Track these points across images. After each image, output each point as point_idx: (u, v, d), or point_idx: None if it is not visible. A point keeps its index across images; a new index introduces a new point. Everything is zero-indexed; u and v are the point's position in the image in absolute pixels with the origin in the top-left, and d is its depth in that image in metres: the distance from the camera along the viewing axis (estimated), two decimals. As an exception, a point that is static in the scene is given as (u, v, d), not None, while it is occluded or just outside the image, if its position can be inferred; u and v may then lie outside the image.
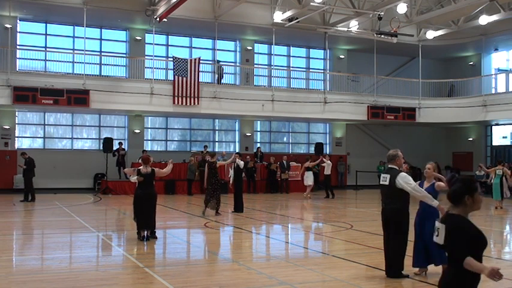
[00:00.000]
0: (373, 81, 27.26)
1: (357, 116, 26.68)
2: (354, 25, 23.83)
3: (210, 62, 25.54)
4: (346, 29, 24.18)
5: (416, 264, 7.56)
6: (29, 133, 25.00)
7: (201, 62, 23.63)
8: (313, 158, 22.51)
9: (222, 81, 25.21)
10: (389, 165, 7.57)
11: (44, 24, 24.26)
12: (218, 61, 25.15)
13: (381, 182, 7.58)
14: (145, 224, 10.43)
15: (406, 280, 7.34)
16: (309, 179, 21.80)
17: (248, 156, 24.49)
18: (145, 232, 10.46)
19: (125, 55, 25.25)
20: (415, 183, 7.33)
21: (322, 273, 7.82)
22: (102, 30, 25.26)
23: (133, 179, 10.80)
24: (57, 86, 21.29)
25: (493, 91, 28.41)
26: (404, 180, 7.26)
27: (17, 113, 24.14)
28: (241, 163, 16.32)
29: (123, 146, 24.23)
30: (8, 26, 22.03)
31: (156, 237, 10.59)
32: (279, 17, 23.51)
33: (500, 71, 29.82)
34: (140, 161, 10.72)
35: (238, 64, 27.24)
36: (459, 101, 27.08)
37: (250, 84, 26.48)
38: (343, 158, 29.42)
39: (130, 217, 15.61)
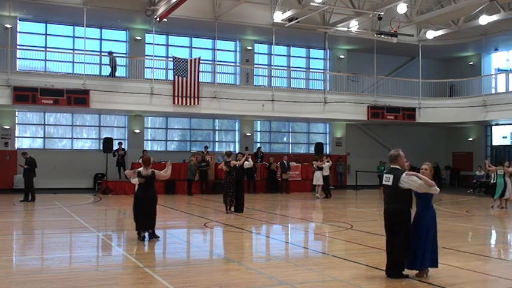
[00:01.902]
0: (373, 81, 27.26)
1: (357, 116, 26.69)
2: (354, 25, 23.83)
3: (210, 62, 25.56)
4: (346, 29, 24.18)
5: (408, 266, 7.48)
6: (29, 133, 25.00)
7: (201, 62, 23.64)
8: (321, 158, 22.46)
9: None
10: (392, 166, 7.56)
11: (44, 24, 24.26)
12: (110, 52, 23.93)
13: (384, 182, 7.58)
14: (146, 225, 10.44)
15: (406, 280, 7.33)
16: (319, 178, 21.65)
17: (250, 156, 24.43)
18: (145, 233, 10.47)
19: (124, 55, 25.26)
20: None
21: (322, 273, 7.82)
22: (102, 30, 25.26)
23: (134, 180, 10.77)
24: (57, 86, 21.29)
25: (493, 91, 28.43)
26: (410, 180, 7.27)
27: (17, 113, 24.14)
28: (248, 163, 16.41)
29: (123, 146, 24.22)
30: (8, 26, 22.04)
31: (158, 237, 10.58)
32: (279, 17, 23.51)
33: (500, 71, 29.83)
34: (140, 161, 10.70)
35: (238, 64, 27.25)
36: (459, 101, 27.09)
37: (250, 84, 26.48)
38: (343, 158, 29.43)
39: (131, 217, 15.58)
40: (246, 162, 16.13)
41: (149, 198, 10.46)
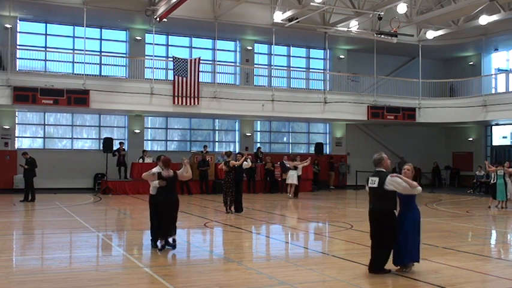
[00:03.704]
0: (373, 81, 27.26)
1: (357, 116, 26.68)
2: (354, 25, 23.83)
3: (210, 62, 25.57)
4: (346, 29, 24.18)
5: (395, 262, 7.78)
6: (29, 133, 24.99)
7: (201, 62, 23.64)
8: (296, 157, 22.77)
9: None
10: (377, 169, 7.88)
11: (44, 24, 24.25)
12: None
13: (370, 185, 7.85)
14: (168, 232, 9.42)
15: (406, 280, 7.36)
16: (293, 178, 21.68)
17: (250, 156, 24.41)
18: (164, 240, 9.46)
19: (124, 55, 25.26)
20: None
21: (322, 273, 7.82)
22: (102, 30, 25.25)
23: (155, 183, 9.49)
24: (57, 86, 21.29)
25: (493, 91, 28.42)
26: (394, 182, 7.54)
27: (17, 113, 24.14)
28: (247, 163, 16.46)
29: (123, 146, 24.21)
30: (8, 26, 22.03)
31: (175, 247, 9.48)
32: (279, 17, 23.51)
33: (500, 71, 29.83)
34: (160, 163, 9.81)
35: (238, 64, 27.24)
36: (459, 101, 27.08)
37: (250, 84, 26.48)
38: (343, 158, 29.42)
39: (131, 217, 15.65)
40: (244, 162, 16.14)
41: (171, 203, 9.43)
